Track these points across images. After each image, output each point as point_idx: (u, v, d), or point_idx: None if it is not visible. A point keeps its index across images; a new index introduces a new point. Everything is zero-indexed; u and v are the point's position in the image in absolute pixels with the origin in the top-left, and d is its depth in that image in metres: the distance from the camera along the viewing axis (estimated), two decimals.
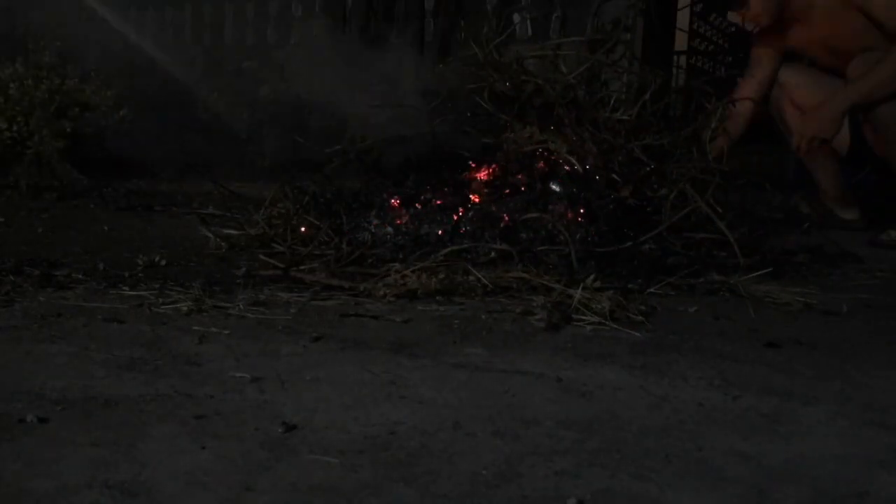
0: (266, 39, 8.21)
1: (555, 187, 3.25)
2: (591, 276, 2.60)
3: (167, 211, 4.46)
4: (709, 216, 3.15)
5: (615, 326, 2.26)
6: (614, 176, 3.26)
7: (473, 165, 3.47)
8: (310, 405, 1.64)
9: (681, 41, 10.56)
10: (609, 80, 3.69)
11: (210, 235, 3.38)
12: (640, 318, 2.34)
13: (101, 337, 2.07)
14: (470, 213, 3.20)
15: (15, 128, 5.57)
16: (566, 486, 1.32)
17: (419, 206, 3.26)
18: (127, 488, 1.27)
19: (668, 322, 2.36)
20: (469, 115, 3.74)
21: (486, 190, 3.34)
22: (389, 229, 3.20)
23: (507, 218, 3.12)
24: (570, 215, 3.13)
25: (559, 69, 3.56)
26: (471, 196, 3.31)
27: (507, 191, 3.28)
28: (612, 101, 3.54)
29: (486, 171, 3.44)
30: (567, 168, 3.27)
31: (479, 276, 2.63)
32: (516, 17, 6.87)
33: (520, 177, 3.31)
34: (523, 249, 2.97)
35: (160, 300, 2.42)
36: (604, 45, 3.62)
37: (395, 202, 3.32)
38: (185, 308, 2.34)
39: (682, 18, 10.47)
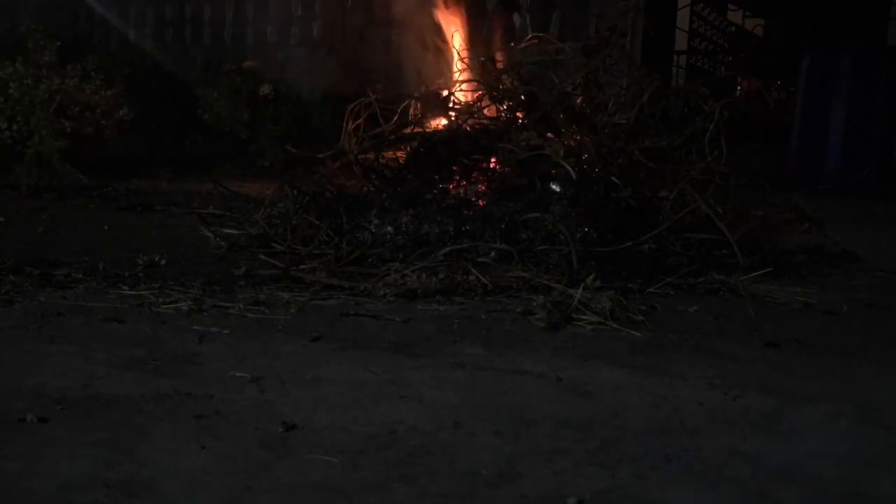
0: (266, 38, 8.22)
1: (555, 187, 3.25)
2: (592, 276, 2.60)
3: (167, 211, 4.45)
4: (709, 216, 3.15)
5: (615, 326, 2.26)
6: (613, 178, 3.26)
7: (471, 168, 3.47)
8: (310, 405, 1.64)
9: (681, 41, 10.57)
10: (607, 84, 3.69)
11: (210, 235, 3.38)
12: (640, 317, 2.34)
13: (101, 336, 2.07)
14: (470, 213, 3.20)
15: (15, 127, 5.56)
16: (566, 485, 1.32)
17: (419, 207, 3.26)
18: (127, 488, 1.27)
19: (668, 322, 2.36)
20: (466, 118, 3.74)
21: (485, 191, 3.34)
22: (389, 229, 3.20)
23: (506, 219, 3.12)
24: (571, 213, 3.14)
25: (555, 76, 3.56)
26: (471, 198, 3.32)
27: (506, 192, 3.28)
28: (609, 105, 3.54)
29: (485, 174, 3.44)
30: (564, 171, 3.27)
31: (479, 275, 2.63)
32: (516, 18, 6.88)
33: (518, 179, 3.30)
34: (523, 249, 2.97)
35: (160, 300, 2.42)
36: (600, 49, 3.62)
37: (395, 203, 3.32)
38: (185, 308, 2.34)
39: (682, 18, 10.47)
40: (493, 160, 3.49)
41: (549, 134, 3.44)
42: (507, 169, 3.35)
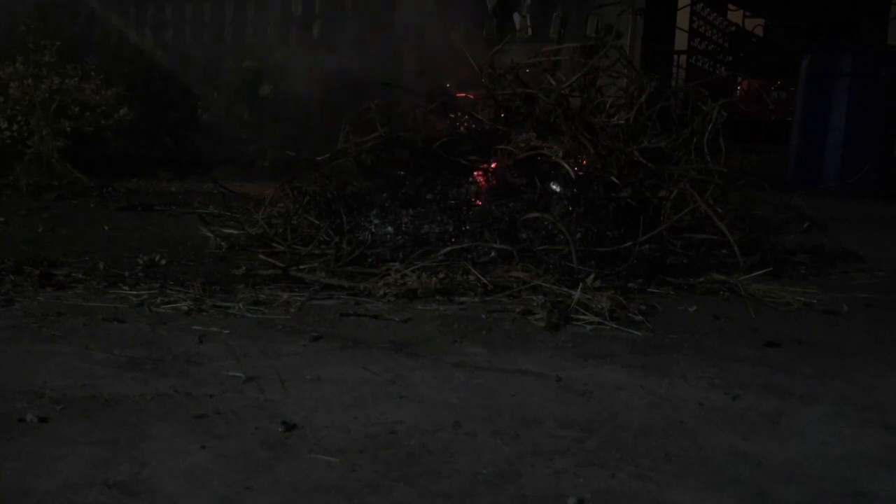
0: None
1: (554, 187, 3.25)
2: (591, 276, 2.60)
3: (167, 211, 4.46)
4: (709, 216, 3.15)
5: (615, 326, 2.26)
6: (613, 178, 3.26)
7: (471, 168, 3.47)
8: (310, 405, 1.64)
9: (681, 41, 10.57)
10: (605, 85, 3.69)
11: (210, 235, 3.38)
12: (639, 317, 2.34)
13: (101, 336, 2.07)
14: (470, 213, 3.20)
15: (15, 127, 5.57)
16: (566, 485, 1.32)
17: (419, 207, 3.26)
18: (127, 487, 1.27)
19: (668, 322, 2.36)
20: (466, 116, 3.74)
21: (485, 191, 3.34)
22: (389, 229, 3.20)
23: (506, 218, 3.12)
24: (571, 213, 3.14)
25: (554, 78, 3.56)
26: (471, 198, 3.32)
27: (506, 192, 3.28)
28: (607, 106, 3.54)
29: (485, 175, 3.44)
30: (563, 171, 3.27)
31: (479, 275, 2.63)
32: (516, 18, 6.87)
33: (518, 179, 3.30)
34: (523, 249, 2.97)
35: (160, 300, 2.42)
36: (598, 50, 3.62)
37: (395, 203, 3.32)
38: (185, 308, 2.34)
39: (682, 18, 10.47)
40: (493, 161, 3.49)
41: (548, 135, 3.44)
42: (506, 169, 3.35)
